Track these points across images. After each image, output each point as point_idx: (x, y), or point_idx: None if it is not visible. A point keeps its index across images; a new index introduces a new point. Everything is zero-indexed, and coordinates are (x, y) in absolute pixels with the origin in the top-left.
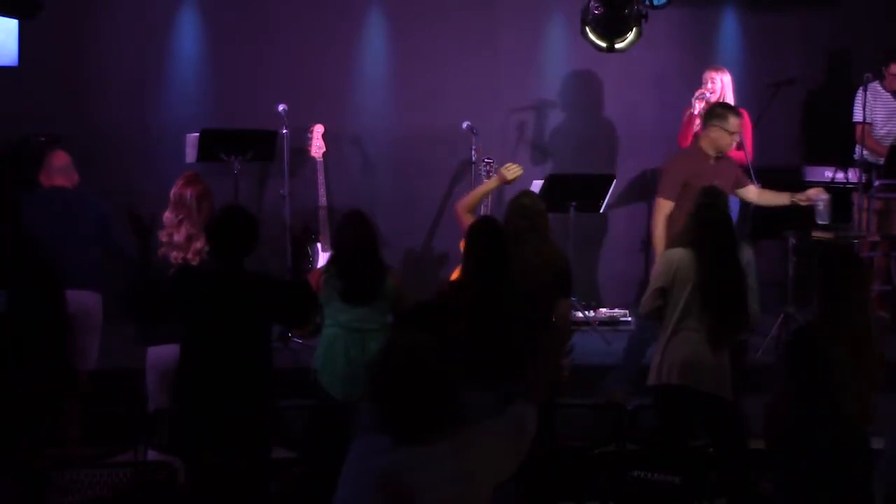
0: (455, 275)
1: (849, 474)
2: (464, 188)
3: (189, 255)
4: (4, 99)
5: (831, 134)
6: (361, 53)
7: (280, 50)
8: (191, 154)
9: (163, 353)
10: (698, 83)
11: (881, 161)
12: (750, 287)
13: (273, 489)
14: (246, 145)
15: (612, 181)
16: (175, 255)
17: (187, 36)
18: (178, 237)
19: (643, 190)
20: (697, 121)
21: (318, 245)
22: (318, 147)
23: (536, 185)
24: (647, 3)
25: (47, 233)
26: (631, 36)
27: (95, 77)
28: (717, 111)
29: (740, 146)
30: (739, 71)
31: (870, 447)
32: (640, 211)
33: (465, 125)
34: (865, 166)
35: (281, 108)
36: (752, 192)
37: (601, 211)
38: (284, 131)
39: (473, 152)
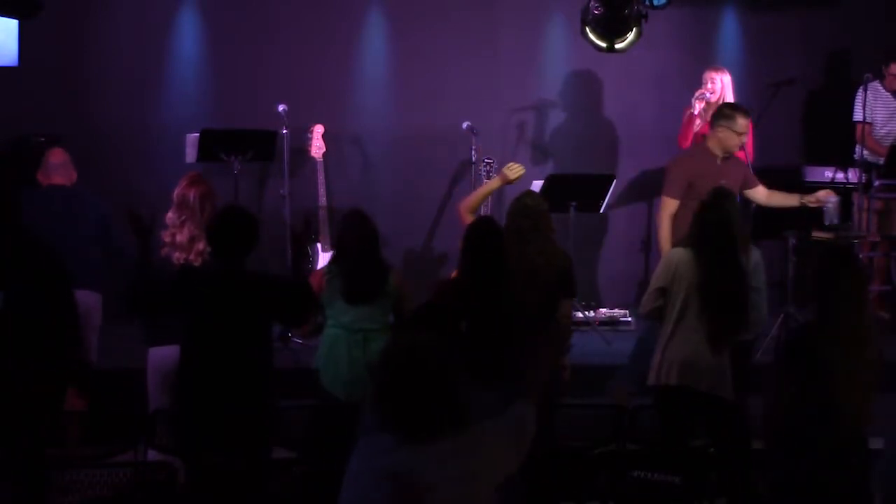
0: (454, 275)
1: (847, 474)
2: (464, 188)
3: (191, 256)
4: (4, 99)
5: (831, 134)
6: (361, 53)
7: (280, 50)
8: (191, 154)
9: (164, 354)
10: (698, 83)
11: (881, 161)
12: (758, 288)
13: (273, 489)
14: (246, 145)
15: (612, 181)
16: (178, 256)
17: (187, 36)
18: (181, 238)
19: (643, 190)
20: (697, 121)
21: (318, 245)
22: (318, 147)
23: (536, 185)
24: (647, 3)
25: (47, 232)
26: (631, 36)
27: (95, 77)
28: (725, 111)
29: (741, 147)
30: (739, 71)
31: (868, 447)
32: (640, 211)
33: (465, 125)
34: (865, 166)
35: (281, 108)
36: (761, 193)
37: (601, 211)
38: (284, 131)
39: (473, 152)
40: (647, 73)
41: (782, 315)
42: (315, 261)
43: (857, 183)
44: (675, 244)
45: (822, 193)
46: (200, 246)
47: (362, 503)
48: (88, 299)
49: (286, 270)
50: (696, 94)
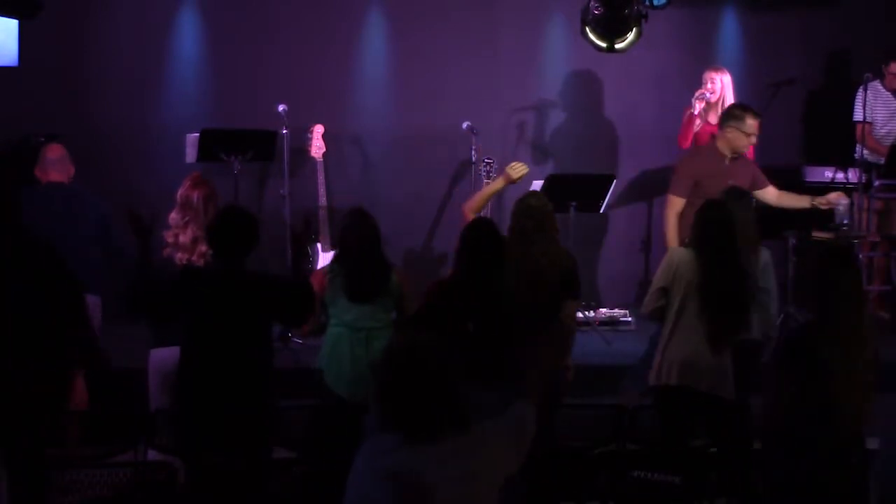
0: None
1: (846, 474)
2: (464, 188)
3: (194, 258)
4: (4, 99)
5: (831, 134)
6: (361, 53)
7: (280, 50)
8: (191, 154)
9: (165, 355)
10: (698, 83)
11: (882, 160)
12: (766, 289)
13: (273, 489)
14: (246, 145)
15: (612, 181)
16: (180, 257)
17: (187, 36)
18: (184, 238)
19: (643, 190)
20: (697, 121)
21: (318, 245)
22: (318, 147)
23: (536, 186)
24: (647, 3)
25: (47, 232)
26: (631, 36)
27: (95, 77)
28: (734, 112)
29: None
30: (739, 71)
31: (865, 447)
32: (640, 211)
33: (465, 125)
34: (865, 166)
35: (281, 108)
36: (771, 194)
37: (601, 211)
38: (284, 131)
39: (473, 152)
40: (647, 73)
41: (782, 315)
42: (315, 261)
43: (857, 183)
44: (681, 243)
45: (832, 195)
46: (203, 248)
47: (364, 503)
48: (88, 301)
49: (286, 270)
50: (696, 94)
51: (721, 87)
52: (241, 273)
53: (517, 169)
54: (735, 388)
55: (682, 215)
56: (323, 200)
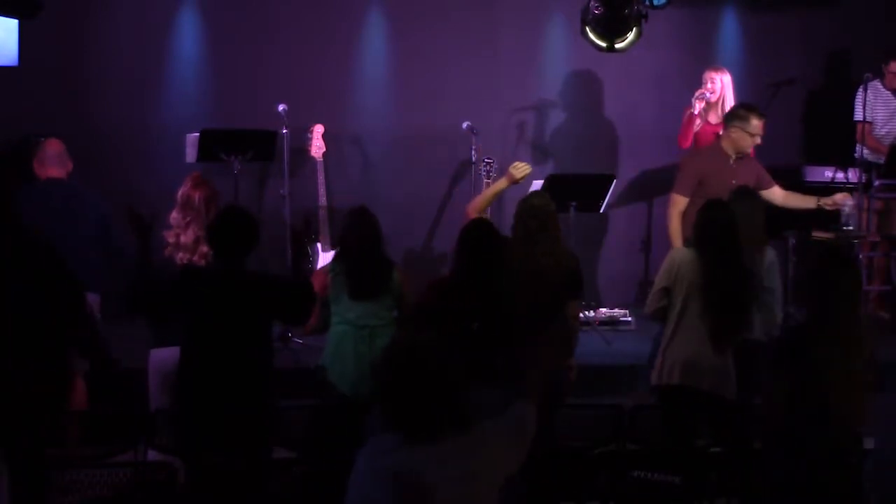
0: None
1: (844, 474)
2: (464, 188)
3: (196, 258)
4: (4, 99)
5: (831, 134)
6: (361, 53)
7: (280, 50)
8: (191, 154)
9: (165, 355)
10: (698, 83)
11: (882, 160)
12: (771, 289)
13: (273, 489)
14: (246, 145)
15: (612, 181)
16: (181, 257)
17: (187, 36)
18: (186, 239)
19: (643, 190)
20: (697, 121)
21: (318, 245)
22: (318, 147)
23: (536, 186)
24: (647, 3)
25: (46, 230)
26: (631, 36)
27: (95, 77)
28: (739, 112)
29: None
30: (739, 71)
31: (862, 447)
32: (640, 211)
33: (465, 125)
34: (865, 166)
35: (281, 108)
36: (778, 194)
37: (601, 211)
38: (284, 131)
39: (473, 152)
40: (647, 73)
41: (783, 315)
42: (315, 261)
43: (857, 183)
44: (684, 242)
45: (839, 196)
46: (205, 248)
47: (365, 503)
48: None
49: (286, 270)
50: (696, 93)
51: (721, 86)
52: (241, 273)
53: (520, 169)
54: (737, 388)
55: (685, 214)
56: (323, 200)
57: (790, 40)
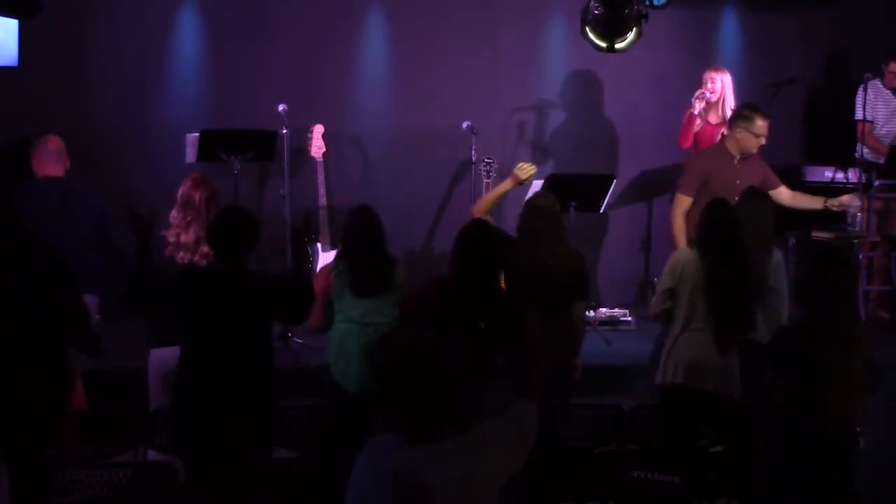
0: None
1: (842, 474)
2: (464, 188)
3: (196, 258)
4: (4, 99)
5: (831, 134)
6: (361, 53)
7: (280, 50)
8: (191, 154)
9: (165, 355)
10: (698, 83)
11: (882, 160)
12: (777, 289)
13: (273, 489)
14: (246, 145)
15: (612, 181)
16: (182, 256)
17: (187, 36)
18: (186, 238)
19: (643, 190)
20: (697, 121)
21: (318, 245)
22: (318, 147)
23: (537, 185)
24: (647, 3)
25: (44, 230)
26: (631, 36)
27: (95, 77)
28: (744, 113)
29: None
30: (739, 71)
31: (858, 447)
32: (640, 211)
33: (465, 125)
34: (866, 166)
35: (281, 108)
36: (784, 195)
37: (601, 211)
38: (284, 131)
39: (473, 152)
40: (647, 73)
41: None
42: (315, 261)
43: (858, 183)
44: (688, 241)
45: (845, 198)
46: (206, 248)
47: (365, 503)
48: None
49: (286, 270)
50: (697, 94)
51: (721, 86)
52: (241, 273)
53: (525, 170)
54: (741, 388)
55: (689, 214)
56: (323, 200)
57: (790, 40)
